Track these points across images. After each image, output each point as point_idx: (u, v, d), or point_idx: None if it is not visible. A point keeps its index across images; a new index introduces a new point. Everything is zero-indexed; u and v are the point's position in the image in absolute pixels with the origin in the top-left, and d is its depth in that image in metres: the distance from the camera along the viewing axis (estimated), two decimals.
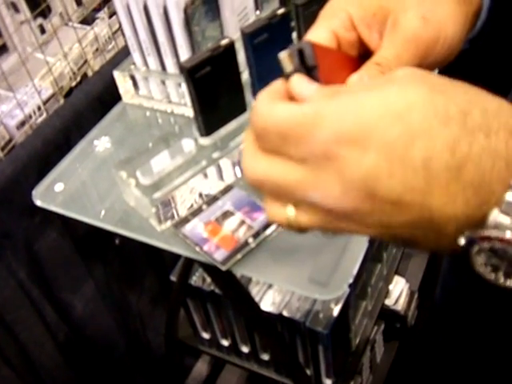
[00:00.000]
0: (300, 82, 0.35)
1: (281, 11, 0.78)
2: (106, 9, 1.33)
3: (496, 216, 0.30)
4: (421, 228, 0.32)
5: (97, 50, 1.28)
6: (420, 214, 0.31)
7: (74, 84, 1.23)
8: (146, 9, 0.85)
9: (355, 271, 0.71)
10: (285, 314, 1.09)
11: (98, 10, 1.33)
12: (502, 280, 0.32)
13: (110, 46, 1.32)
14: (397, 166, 0.30)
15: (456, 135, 0.30)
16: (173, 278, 1.20)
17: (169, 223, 0.77)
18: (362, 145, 0.31)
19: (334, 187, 0.32)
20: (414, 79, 0.33)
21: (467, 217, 0.30)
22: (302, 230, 0.36)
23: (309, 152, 0.32)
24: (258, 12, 1.00)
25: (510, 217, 0.30)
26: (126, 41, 0.92)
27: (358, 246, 0.73)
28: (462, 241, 0.31)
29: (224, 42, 0.74)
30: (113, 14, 1.33)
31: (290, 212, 0.35)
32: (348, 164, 0.31)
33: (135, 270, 1.32)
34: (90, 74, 1.24)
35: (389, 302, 1.50)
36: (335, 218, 0.33)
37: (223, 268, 0.71)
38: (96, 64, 1.27)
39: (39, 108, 1.13)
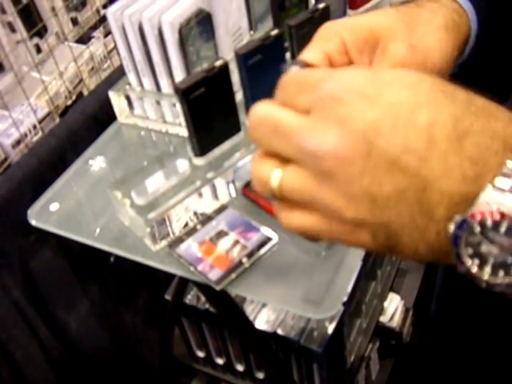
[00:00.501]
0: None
1: (274, 32, 0.79)
2: (101, 28, 1.34)
3: (490, 192, 0.29)
4: (409, 203, 0.31)
5: (92, 68, 1.29)
6: (413, 183, 0.30)
7: (69, 103, 1.24)
8: (140, 29, 0.86)
9: (349, 290, 0.71)
10: (279, 332, 1.09)
11: (93, 28, 1.34)
12: (487, 276, 0.31)
13: (106, 65, 1.33)
14: (400, 125, 0.30)
15: (460, 112, 0.31)
16: (167, 296, 1.20)
17: (163, 243, 0.77)
18: (370, 98, 0.31)
19: (332, 134, 0.31)
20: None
21: (461, 195, 0.30)
22: (281, 194, 0.35)
23: (317, 98, 0.33)
24: (252, 32, 1.02)
25: (503, 192, 0.29)
26: (121, 60, 0.93)
27: (352, 265, 0.74)
28: (452, 227, 0.30)
29: (218, 63, 0.75)
30: (108, 33, 1.34)
31: (276, 173, 0.34)
32: (352, 112, 0.31)
33: (130, 288, 1.32)
34: (85, 92, 1.25)
35: (384, 318, 1.50)
36: (321, 180, 0.32)
37: (217, 288, 0.71)
38: (91, 83, 1.28)
39: (35, 127, 1.14)
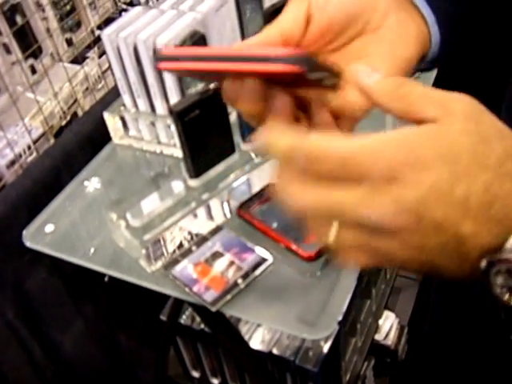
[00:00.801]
0: None
1: (213, 86, 0.75)
2: (95, 48, 1.35)
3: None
4: (449, 250, 0.38)
5: (87, 89, 1.30)
6: (452, 239, 0.37)
7: (64, 123, 1.24)
8: (135, 51, 0.86)
9: (344, 310, 0.71)
10: (275, 352, 1.09)
11: (88, 49, 1.35)
12: None
13: (100, 85, 1.33)
14: (442, 199, 0.37)
15: (491, 177, 0.37)
16: (163, 317, 1.19)
17: (159, 264, 0.77)
18: (416, 179, 0.37)
19: (389, 208, 0.37)
20: (466, 120, 0.38)
21: (489, 243, 0.37)
22: (342, 248, 0.40)
23: (368, 176, 0.37)
24: None
25: None
26: (115, 81, 0.93)
27: (347, 285, 0.74)
28: (484, 263, 0.37)
29: (213, 85, 0.76)
30: (102, 53, 1.35)
31: (334, 231, 0.39)
32: (406, 189, 0.37)
33: (124, 308, 1.32)
34: (80, 113, 1.25)
35: (379, 336, 1.50)
36: (378, 236, 0.38)
37: (213, 309, 0.71)
38: (86, 103, 1.28)
39: (29, 147, 1.14)
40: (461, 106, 0.39)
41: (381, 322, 1.49)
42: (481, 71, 0.62)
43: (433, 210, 0.37)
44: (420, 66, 0.54)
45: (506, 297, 0.38)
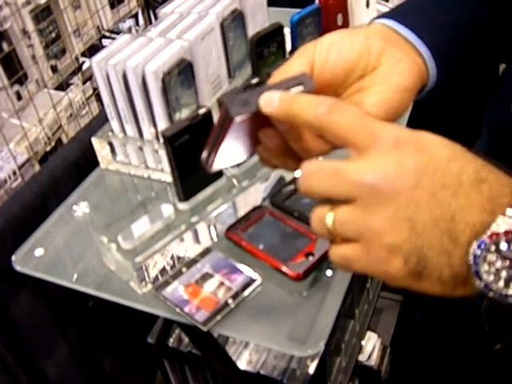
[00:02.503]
0: None
1: (202, 111, 0.79)
2: (79, 75, 1.37)
3: (501, 219, 0.39)
4: (441, 231, 0.40)
5: (71, 115, 1.31)
6: (445, 213, 0.40)
7: (48, 149, 1.25)
8: (124, 78, 0.88)
9: (330, 327, 0.73)
10: (262, 372, 1.10)
11: (72, 75, 1.37)
12: (500, 288, 0.39)
13: (84, 112, 1.35)
14: (439, 169, 0.40)
15: (480, 167, 0.41)
16: (150, 339, 1.20)
17: (150, 286, 0.78)
18: (421, 148, 0.42)
19: (391, 170, 0.41)
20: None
21: (481, 224, 0.39)
22: (334, 230, 0.44)
23: (377, 138, 0.43)
24: (230, 79, 1.05)
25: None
26: (103, 107, 0.95)
27: (333, 304, 0.76)
28: (472, 247, 0.39)
29: (202, 111, 0.78)
30: (87, 80, 1.37)
31: (330, 215, 0.44)
32: (407, 156, 0.41)
33: (108, 333, 1.32)
34: (64, 139, 1.27)
35: (362, 357, 1.51)
36: (370, 209, 0.41)
37: (204, 329, 0.73)
38: (70, 129, 1.30)
39: (14, 173, 1.15)
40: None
41: (363, 342, 1.51)
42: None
43: (430, 178, 0.40)
44: (420, 95, 0.58)
45: (493, 283, 0.39)
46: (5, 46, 1.16)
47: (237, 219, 0.85)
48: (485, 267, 0.39)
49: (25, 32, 1.21)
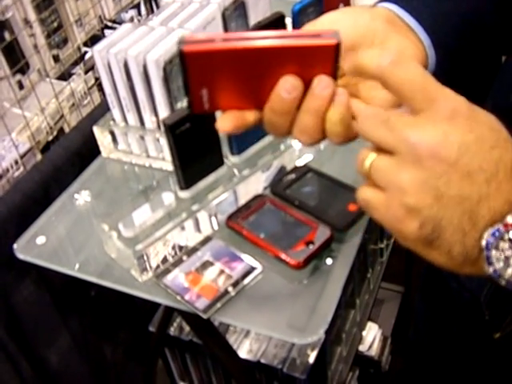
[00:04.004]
0: None
1: None
2: (82, 65, 1.37)
3: None
4: (464, 211, 0.41)
5: (73, 105, 1.31)
6: (474, 195, 0.40)
7: (50, 138, 1.25)
8: (126, 67, 0.89)
9: (331, 315, 0.74)
10: (262, 361, 1.10)
11: (74, 65, 1.37)
12: (507, 276, 0.41)
13: (86, 101, 1.35)
14: (482, 152, 0.41)
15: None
16: (151, 328, 1.20)
17: (150, 274, 0.79)
18: (472, 124, 0.42)
19: (438, 137, 0.41)
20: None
21: (501, 214, 0.40)
22: (369, 172, 0.45)
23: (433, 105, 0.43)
24: None
25: None
26: (105, 97, 0.95)
27: (333, 293, 0.76)
28: (487, 233, 0.40)
29: None
30: (89, 69, 1.36)
31: (371, 156, 0.45)
32: (457, 129, 0.41)
33: (110, 322, 1.33)
34: (66, 128, 1.27)
35: (362, 348, 1.52)
36: (406, 166, 0.42)
37: (205, 316, 0.73)
38: (72, 119, 1.29)
39: (16, 162, 1.15)
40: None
41: (364, 333, 1.51)
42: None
43: (470, 159, 0.41)
44: None
45: (503, 269, 0.41)
46: (7, 36, 1.16)
47: (238, 208, 0.86)
48: (496, 254, 0.41)
49: (27, 21, 1.21)
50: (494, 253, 0.41)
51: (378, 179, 0.44)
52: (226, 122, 0.50)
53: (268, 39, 0.45)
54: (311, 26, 0.53)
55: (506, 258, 0.40)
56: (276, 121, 0.49)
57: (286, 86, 0.47)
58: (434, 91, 0.43)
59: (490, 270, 0.41)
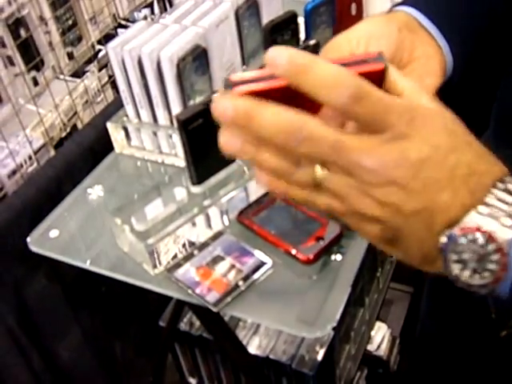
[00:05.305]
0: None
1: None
2: (95, 62, 1.38)
3: (473, 215, 0.40)
4: (422, 221, 0.41)
5: (86, 102, 1.33)
6: (429, 206, 0.40)
7: (63, 135, 1.27)
8: (140, 64, 0.90)
9: (340, 311, 0.74)
10: (271, 357, 1.11)
11: (88, 63, 1.38)
12: (464, 278, 0.41)
13: (99, 99, 1.36)
14: (439, 164, 0.40)
15: (473, 158, 0.41)
16: (162, 323, 1.21)
17: (162, 268, 0.80)
18: (425, 138, 0.41)
19: (393, 158, 0.40)
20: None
21: (456, 218, 0.40)
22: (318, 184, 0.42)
23: (391, 126, 0.41)
24: (244, 67, 1.06)
25: (483, 216, 0.40)
26: (119, 93, 0.96)
27: (342, 289, 0.77)
28: (444, 238, 0.40)
29: (216, 95, 0.79)
30: (102, 67, 1.38)
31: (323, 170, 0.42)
32: (413, 144, 0.40)
33: (121, 318, 1.34)
34: (79, 125, 1.28)
35: (371, 347, 1.52)
36: (362, 186, 0.41)
37: (215, 309, 0.74)
38: (85, 116, 1.31)
39: (30, 157, 1.16)
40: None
41: (373, 332, 1.52)
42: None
43: (427, 170, 0.40)
44: None
45: (460, 272, 0.41)
46: (22, 33, 1.18)
47: (249, 203, 0.86)
48: (453, 257, 0.41)
49: (42, 19, 1.22)
50: (450, 256, 0.41)
51: (336, 191, 0.42)
52: None
53: None
54: (344, 36, 0.54)
55: (462, 261, 0.41)
56: None
57: None
58: (384, 112, 0.41)
59: (448, 271, 0.42)
